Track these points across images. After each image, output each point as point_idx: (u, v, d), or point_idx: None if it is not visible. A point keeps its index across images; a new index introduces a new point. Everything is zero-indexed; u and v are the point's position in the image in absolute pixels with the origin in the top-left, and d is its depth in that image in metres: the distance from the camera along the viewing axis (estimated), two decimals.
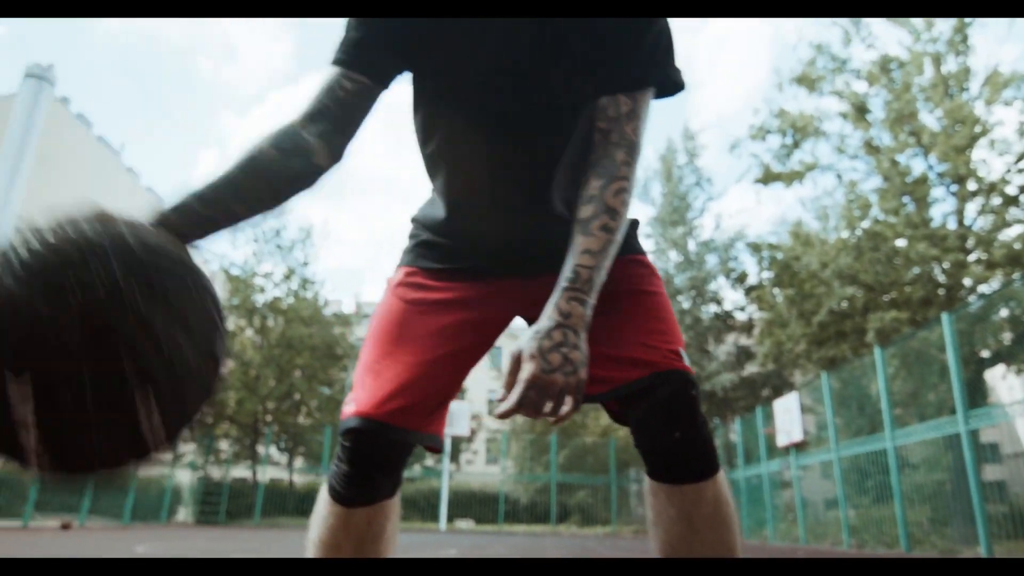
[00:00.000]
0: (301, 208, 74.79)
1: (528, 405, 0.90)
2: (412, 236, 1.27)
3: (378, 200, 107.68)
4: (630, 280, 1.17)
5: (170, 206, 0.95)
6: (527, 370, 0.90)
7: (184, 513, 19.91)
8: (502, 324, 1.24)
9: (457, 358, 1.16)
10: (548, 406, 0.90)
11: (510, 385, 0.92)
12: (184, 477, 19.91)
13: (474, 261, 1.20)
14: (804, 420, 12.00)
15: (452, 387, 1.18)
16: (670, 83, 1.10)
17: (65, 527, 12.44)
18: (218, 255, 22.04)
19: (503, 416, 0.92)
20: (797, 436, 11.83)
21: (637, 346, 1.09)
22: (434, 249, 1.21)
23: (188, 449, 20.26)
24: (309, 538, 1.14)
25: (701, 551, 1.07)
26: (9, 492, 13.42)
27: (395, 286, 1.21)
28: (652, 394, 1.06)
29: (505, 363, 0.95)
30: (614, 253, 1.02)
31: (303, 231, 22.77)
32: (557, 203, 1.16)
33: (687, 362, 1.12)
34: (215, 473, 20.24)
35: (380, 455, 1.09)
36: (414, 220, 1.30)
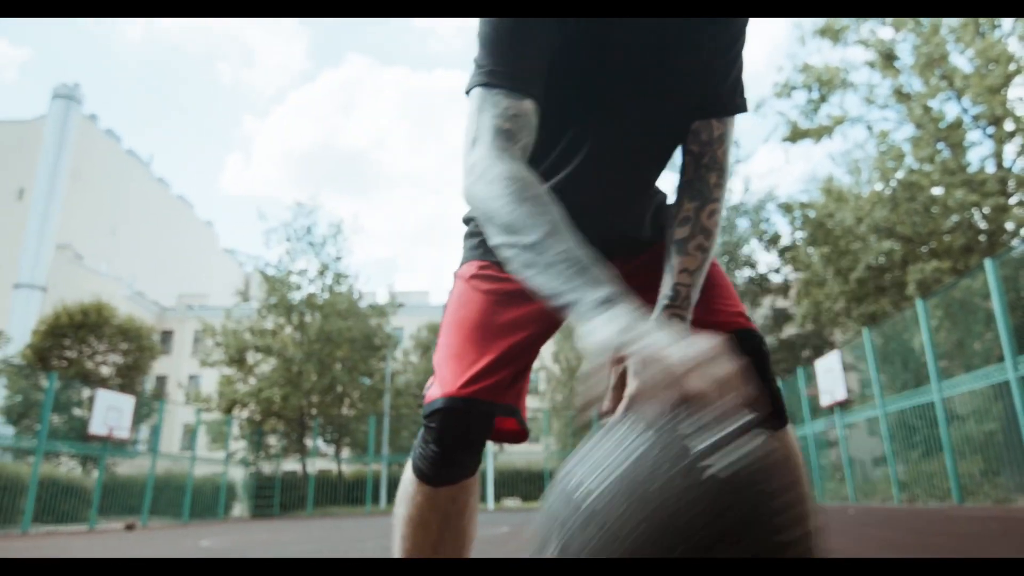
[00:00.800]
0: (328, 204, 75.48)
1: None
2: (476, 234, 1.31)
3: (405, 192, 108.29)
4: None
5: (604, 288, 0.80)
6: (636, 388, 0.95)
7: (239, 509, 20.52)
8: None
9: (531, 342, 1.22)
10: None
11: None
12: (237, 474, 20.49)
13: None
14: (847, 378, 11.86)
15: (528, 367, 1.24)
16: (744, 108, 1.19)
17: (129, 528, 12.94)
18: (252, 257, 22.47)
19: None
20: (841, 395, 11.71)
21: (718, 311, 1.18)
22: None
23: (239, 447, 20.86)
24: (397, 514, 1.21)
25: None
26: (74, 498, 13.98)
27: (468, 278, 1.26)
28: (741, 346, 1.13)
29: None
30: (707, 271, 1.12)
31: (333, 227, 23.10)
32: (642, 206, 1.26)
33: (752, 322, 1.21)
34: (266, 468, 20.79)
35: (465, 433, 1.12)
36: (471, 219, 1.35)
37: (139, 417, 17.36)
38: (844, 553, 3.74)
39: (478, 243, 1.30)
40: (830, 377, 12.12)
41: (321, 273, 22.45)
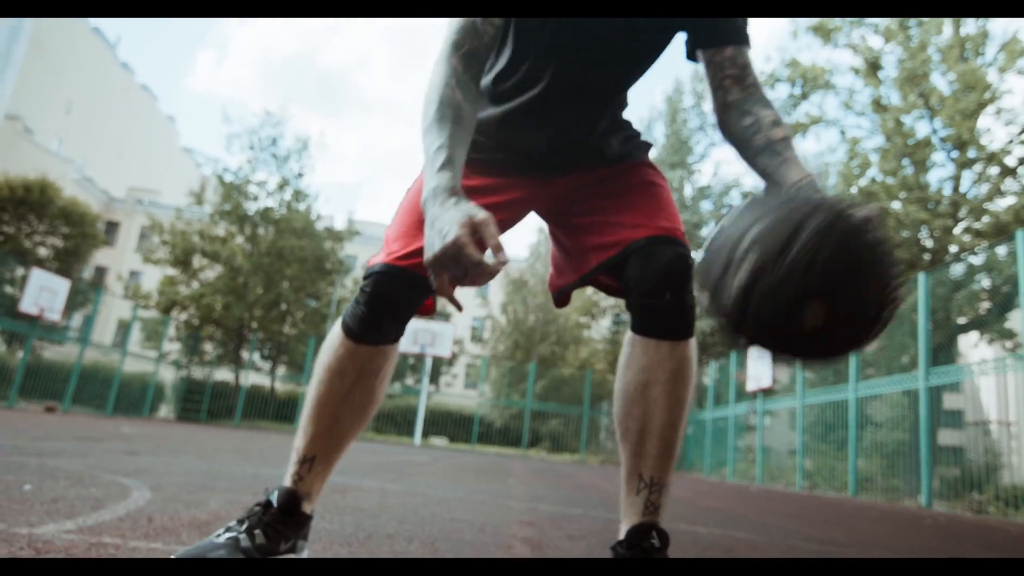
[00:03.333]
0: (297, 118, 73.38)
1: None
2: None
3: (379, 120, 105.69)
4: (641, 175, 1.41)
5: (449, 171, 1.11)
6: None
7: (165, 410, 20.48)
8: (521, 212, 1.47)
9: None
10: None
11: None
12: (168, 375, 20.38)
13: (508, 159, 1.41)
14: (774, 368, 12.42)
15: None
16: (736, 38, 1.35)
17: (49, 410, 12.88)
18: (212, 159, 21.91)
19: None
20: (766, 382, 12.28)
21: (646, 217, 1.32)
22: (473, 146, 1.36)
23: (173, 349, 20.69)
24: (318, 362, 1.34)
25: (654, 397, 1.26)
26: None
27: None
28: (655, 251, 1.27)
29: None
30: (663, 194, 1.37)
31: (299, 142, 22.62)
32: (599, 129, 1.40)
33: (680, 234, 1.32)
34: (198, 374, 20.72)
35: (394, 298, 1.26)
36: None
37: (73, 304, 17.03)
38: (744, 513, 4.09)
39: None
40: (760, 364, 12.67)
41: (281, 187, 22.07)
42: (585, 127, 1.38)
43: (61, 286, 13.89)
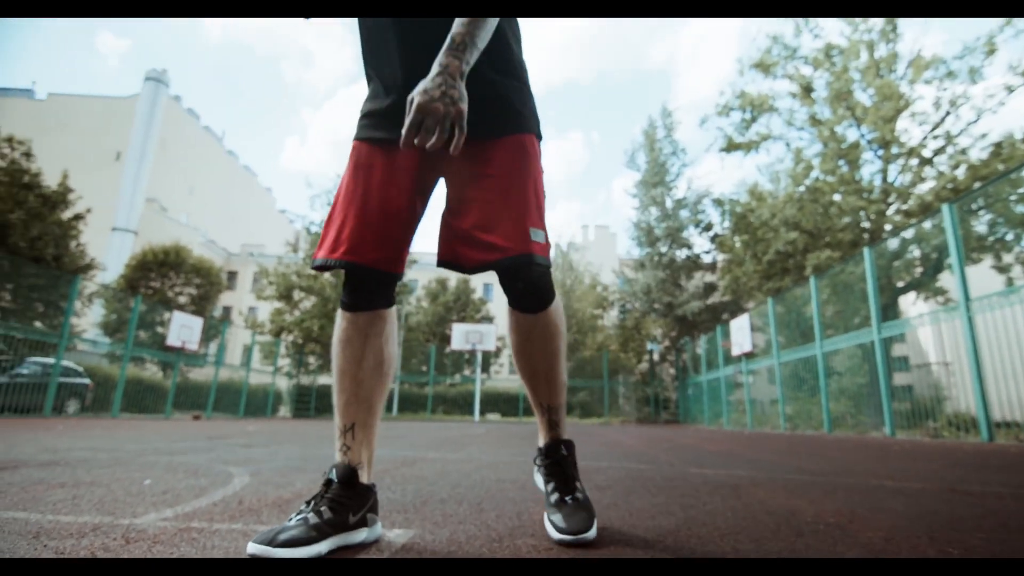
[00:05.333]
0: None
1: (417, 127, 0.97)
2: (361, 116, 1.27)
3: None
4: (503, 163, 1.18)
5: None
6: (415, 102, 0.98)
7: (284, 411, 20.69)
8: (415, 177, 1.22)
9: (389, 205, 1.18)
10: (437, 132, 0.96)
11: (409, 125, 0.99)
12: (283, 384, 20.60)
13: (387, 117, 1.21)
14: (753, 336, 12.01)
15: (393, 228, 1.19)
16: None
17: (196, 418, 13.03)
18: (301, 216, 22.18)
19: (405, 144, 0.98)
20: (747, 347, 11.87)
21: (497, 230, 1.13)
22: (368, 122, 1.23)
23: (285, 363, 20.91)
24: (332, 344, 1.22)
25: (531, 351, 1.29)
26: (155, 395, 14.03)
27: (349, 156, 1.25)
28: (504, 270, 1.16)
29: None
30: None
31: None
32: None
33: (537, 237, 1.15)
34: (305, 380, 20.89)
35: (371, 281, 1.17)
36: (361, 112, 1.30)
37: (207, 335, 17.31)
38: (742, 454, 3.84)
39: (357, 125, 1.27)
40: (741, 334, 12.27)
41: None
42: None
43: (196, 324, 14.10)
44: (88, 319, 19.45)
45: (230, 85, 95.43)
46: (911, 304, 15.87)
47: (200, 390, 15.71)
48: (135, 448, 3.35)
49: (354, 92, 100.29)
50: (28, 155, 15.41)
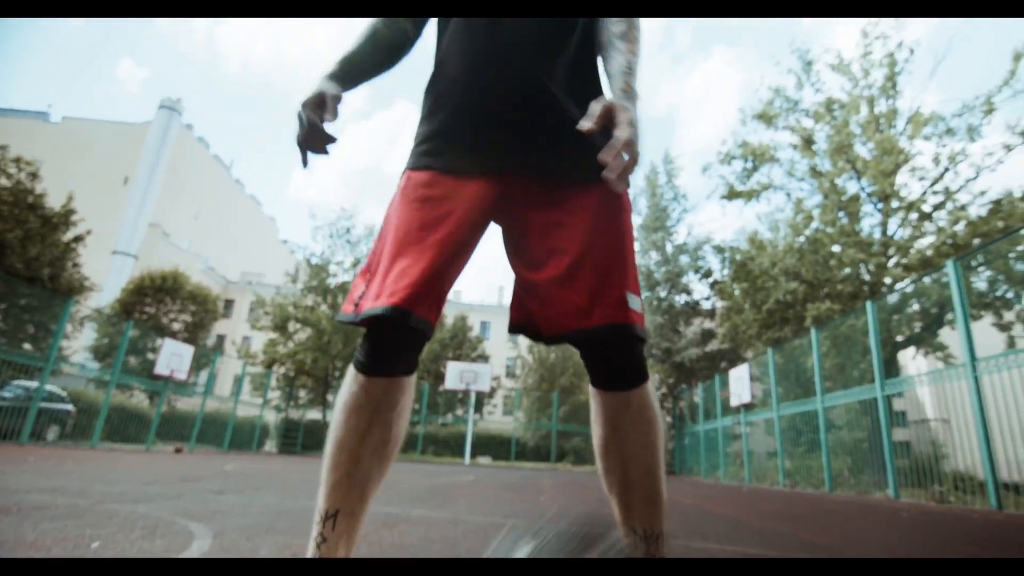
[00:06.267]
0: (369, 212, 75.05)
1: (630, 163, 0.85)
2: (416, 143, 1.12)
3: None
4: (599, 214, 1.01)
5: (336, 66, 1.09)
6: (628, 132, 0.84)
7: (270, 445, 20.19)
8: (485, 217, 1.05)
9: (451, 246, 1.00)
10: (631, 166, 0.85)
11: (600, 126, 0.87)
12: (271, 417, 20.18)
13: (457, 144, 1.05)
14: (752, 386, 11.79)
15: (449, 277, 1.02)
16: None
17: (177, 451, 12.65)
18: (302, 247, 22.18)
19: (618, 182, 0.83)
20: (747, 398, 11.64)
21: (590, 293, 0.98)
22: (434, 147, 1.07)
23: (275, 396, 20.52)
24: (335, 407, 1.04)
25: (624, 447, 1.00)
26: (138, 424, 13.67)
27: (401, 189, 1.07)
28: (596, 342, 0.98)
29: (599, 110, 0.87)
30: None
31: (367, 229, 22.83)
32: (559, 77, 1.05)
33: (634, 304, 0.99)
34: (294, 415, 20.48)
35: (400, 337, 0.98)
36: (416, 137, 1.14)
37: (198, 364, 17.02)
38: (748, 522, 3.62)
39: (411, 152, 1.11)
40: (740, 384, 12.06)
41: (354, 265, 22.19)
42: (538, 71, 1.02)
43: (187, 352, 13.87)
44: (79, 342, 19.17)
45: (244, 116, 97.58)
46: (910, 359, 15.72)
47: (185, 420, 15.32)
48: (100, 491, 3.14)
49: (364, 127, 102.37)
50: (35, 176, 15.47)
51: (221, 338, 37.61)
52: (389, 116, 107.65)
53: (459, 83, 1.05)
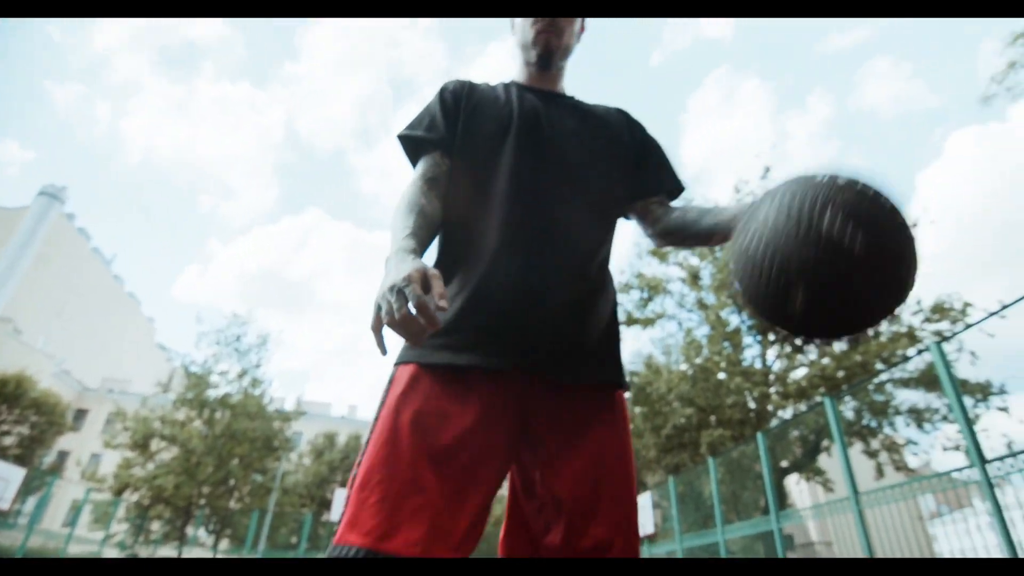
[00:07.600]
0: (263, 318, 71.24)
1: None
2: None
3: (331, 317, 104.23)
4: (606, 422, 0.93)
5: (409, 242, 0.95)
6: None
7: None
8: (495, 440, 0.91)
9: (473, 475, 0.87)
10: None
11: None
12: (112, 555, 16.91)
13: (478, 338, 0.93)
14: (655, 515, 11.65)
15: (478, 517, 0.86)
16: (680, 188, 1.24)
17: None
18: (181, 354, 20.16)
19: None
20: (649, 529, 11.41)
21: (601, 516, 0.89)
22: (454, 340, 0.94)
23: (120, 529, 17.38)
24: None
25: None
26: None
27: (401, 392, 0.92)
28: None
29: None
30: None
31: (260, 338, 21.33)
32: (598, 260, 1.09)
33: (638, 529, 0.97)
34: (142, 552, 17.31)
35: None
36: None
37: (28, 490, 14.21)
38: None
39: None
40: (643, 513, 11.88)
41: (240, 376, 20.35)
42: (574, 253, 1.02)
43: (15, 475, 11.57)
44: None
45: (138, 211, 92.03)
46: (794, 483, 16.45)
47: None
48: None
49: (269, 231, 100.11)
50: None
51: (63, 455, 32.22)
52: (298, 222, 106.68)
53: (499, 265, 0.98)
